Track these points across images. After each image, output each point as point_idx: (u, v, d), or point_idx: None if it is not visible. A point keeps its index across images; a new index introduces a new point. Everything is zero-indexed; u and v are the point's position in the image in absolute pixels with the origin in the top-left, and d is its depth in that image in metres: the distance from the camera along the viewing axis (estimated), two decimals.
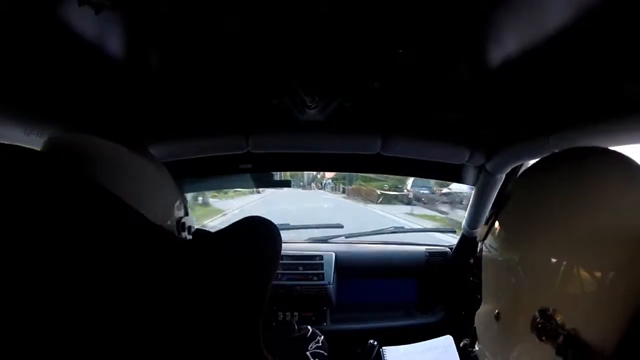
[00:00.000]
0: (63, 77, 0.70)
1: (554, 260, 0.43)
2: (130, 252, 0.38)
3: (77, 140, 0.46)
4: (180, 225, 0.52)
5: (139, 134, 1.04)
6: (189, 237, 0.54)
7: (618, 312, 0.39)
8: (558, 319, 0.41)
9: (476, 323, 0.57)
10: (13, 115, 0.70)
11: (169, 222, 0.51)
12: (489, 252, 0.53)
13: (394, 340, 1.23)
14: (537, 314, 0.43)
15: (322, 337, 0.96)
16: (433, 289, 1.48)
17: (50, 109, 0.77)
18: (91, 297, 0.35)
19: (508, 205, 0.52)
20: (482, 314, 0.56)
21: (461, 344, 0.62)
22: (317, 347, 0.93)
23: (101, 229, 0.38)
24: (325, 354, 0.94)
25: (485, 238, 0.54)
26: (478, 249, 0.57)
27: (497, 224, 0.52)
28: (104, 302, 0.36)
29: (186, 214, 0.54)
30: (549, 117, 0.85)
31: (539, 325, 0.42)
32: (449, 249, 1.53)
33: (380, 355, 1.18)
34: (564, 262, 0.42)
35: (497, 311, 0.50)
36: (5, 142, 0.42)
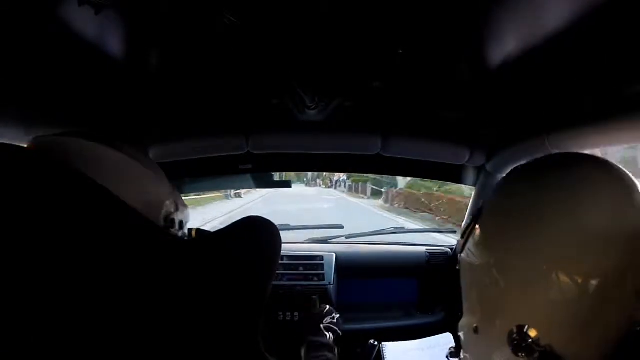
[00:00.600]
0: (63, 78, 0.70)
1: (529, 269, 0.42)
2: (130, 252, 0.38)
3: (58, 141, 0.45)
4: (170, 222, 0.52)
5: (139, 134, 1.04)
6: (181, 232, 0.54)
7: (597, 323, 0.39)
8: (533, 335, 0.41)
9: (460, 333, 0.57)
10: (13, 115, 0.70)
11: (158, 220, 0.50)
12: (466, 261, 0.53)
13: (395, 340, 1.23)
14: (513, 329, 0.42)
15: (338, 315, 1.04)
16: (433, 289, 1.48)
17: (50, 109, 0.77)
18: (91, 296, 0.35)
19: (485, 214, 0.51)
20: (464, 325, 0.55)
21: (447, 353, 0.62)
22: (331, 322, 1.01)
23: (101, 228, 0.38)
24: (339, 331, 1.00)
25: (462, 250, 0.54)
26: (458, 259, 0.56)
27: (474, 232, 0.52)
28: (104, 302, 0.36)
29: (176, 209, 0.53)
30: (549, 117, 0.85)
31: (515, 342, 0.42)
32: (449, 250, 1.53)
33: (381, 352, 1.18)
34: (541, 271, 0.41)
35: (475, 325, 0.50)
36: (6, 142, 0.41)
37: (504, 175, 0.56)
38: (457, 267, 0.57)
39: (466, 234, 0.53)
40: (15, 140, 0.69)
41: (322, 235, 1.69)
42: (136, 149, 0.50)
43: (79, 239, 0.36)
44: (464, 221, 1.41)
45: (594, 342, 0.40)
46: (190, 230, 0.57)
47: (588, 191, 0.42)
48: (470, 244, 0.52)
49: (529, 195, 0.46)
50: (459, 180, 1.35)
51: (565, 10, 0.48)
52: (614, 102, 0.68)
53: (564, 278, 0.40)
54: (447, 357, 0.62)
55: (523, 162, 1.07)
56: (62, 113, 0.79)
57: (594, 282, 0.39)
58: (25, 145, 0.46)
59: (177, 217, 0.53)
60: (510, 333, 0.43)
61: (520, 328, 0.42)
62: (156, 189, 0.50)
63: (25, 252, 0.34)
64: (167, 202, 0.51)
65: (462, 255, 0.54)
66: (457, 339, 0.59)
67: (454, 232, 1.74)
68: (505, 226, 0.46)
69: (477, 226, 0.51)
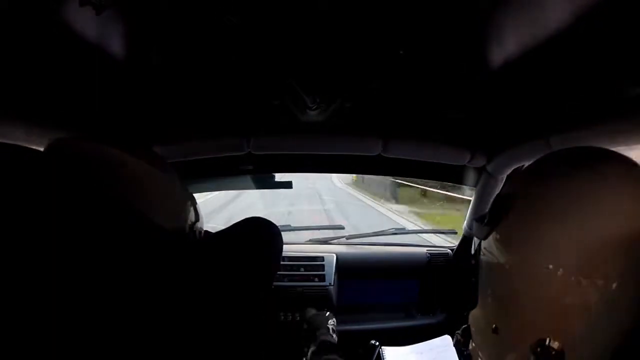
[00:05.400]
0: (65, 78, 0.70)
1: (560, 273, 0.40)
2: (130, 253, 0.38)
3: (82, 145, 0.45)
4: (193, 231, 0.50)
5: (141, 135, 1.04)
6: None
7: (620, 326, 0.38)
8: (556, 346, 0.40)
9: (471, 324, 0.56)
10: (15, 116, 0.70)
11: (178, 227, 0.49)
12: (490, 256, 0.50)
13: (395, 341, 1.23)
14: (536, 341, 0.41)
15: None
16: (434, 290, 1.48)
17: (51, 109, 0.77)
18: (91, 296, 0.35)
19: (515, 207, 0.47)
20: (478, 319, 0.54)
21: (454, 341, 0.61)
22: (333, 325, 0.99)
23: (101, 229, 0.38)
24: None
25: (486, 238, 0.51)
26: (475, 246, 0.55)
27: (501, 227, 0.48)
28: (104, 302, 0.36)
29: (197, 219, 0.52)
30: (549, 119, 0.85)
31: (538, 353, 0.41)
32: (449, 250, 1.53)
33: (380, 356, 1.18)
34: (572, 277, 0.39)
35: (494, 325, 0.48)
36: (6, 142, 0.41)
37: (506, 172, 0.53)
38: (473, 262, 0.55)
39: (491, 224, 0.49)
40: (16, 140, 0.69)
41: (322, 236, 1.69)
42: (155, 155, 0.49)
43: (77, 239, 0.36)
44: (471, 212, 1.40)
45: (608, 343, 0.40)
46: None
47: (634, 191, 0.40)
48: (496, 237, 0.49)
49: (573, 191, 0.41)
50: (459, 181, 1.35)
51: (565, 11, 0.48)
52: (616, 104, 0.67)
53: (596, 281, 0.39)
54: (454, 344, 0.61)
55: (524, 163, 1.08)
56: (63, 114, 0.79)
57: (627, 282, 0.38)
58: (40, 148, 0.46)
59: (197, 227, 0.51)
60: (535, 344, 0.41)
61: (543, 341, 0.41)
62: (172, 196, 0.49)
63: (26, 252, 0.34)
64: (186, 209, 0.50)
65: (484, 249, 0.51)
66: (466, 329, 0.57)
67: (455, 232, 1.74)
68: (542, 224, 0.42)
69: (505, 221, 0.47)
